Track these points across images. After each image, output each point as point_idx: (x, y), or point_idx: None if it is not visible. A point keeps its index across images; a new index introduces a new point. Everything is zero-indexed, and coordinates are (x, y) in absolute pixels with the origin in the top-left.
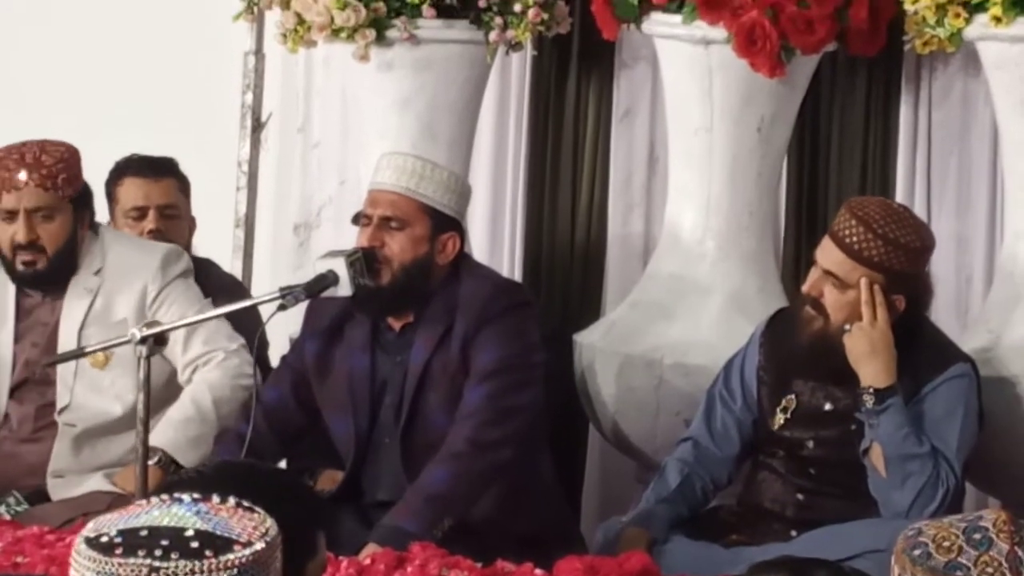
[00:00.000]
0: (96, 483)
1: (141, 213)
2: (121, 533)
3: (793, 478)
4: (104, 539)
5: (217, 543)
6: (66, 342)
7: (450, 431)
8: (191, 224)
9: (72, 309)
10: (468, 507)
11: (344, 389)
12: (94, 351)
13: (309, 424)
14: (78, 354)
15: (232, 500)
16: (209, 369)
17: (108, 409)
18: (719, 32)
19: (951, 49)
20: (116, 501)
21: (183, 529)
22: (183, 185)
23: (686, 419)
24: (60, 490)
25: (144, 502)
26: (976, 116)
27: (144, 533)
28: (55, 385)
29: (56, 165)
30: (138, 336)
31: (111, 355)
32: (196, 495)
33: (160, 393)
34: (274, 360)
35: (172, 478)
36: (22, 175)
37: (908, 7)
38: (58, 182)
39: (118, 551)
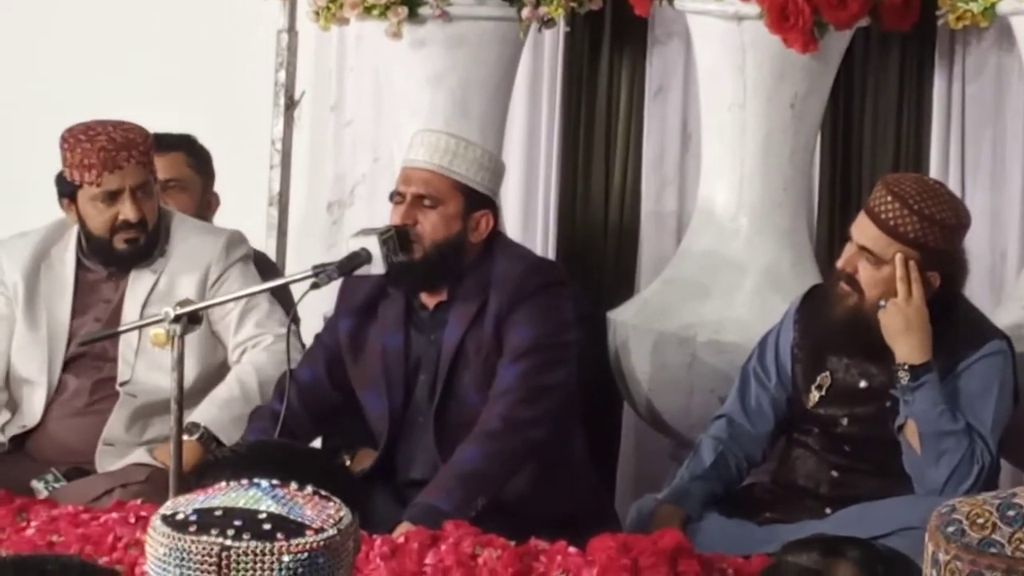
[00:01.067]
0: (137, 456)
1: None
2: (196, 512)
3: (827, 455)
4: (179, 516)
5: (290, 527)
6: (129, 319)
7: (483, 410)
8: (213, 201)
9: (136, 287)
10: (502, 486)
11: (378, 367)
12: (125, 331)
13: (343, 403)
14: (111, 334)
15: (309, 488)
16: (257, 352)
17: (168, 387)
18: (752, 8)
19: (984, 24)
20: (154, 474)
21: (257, 511)
22: (195, 160)
23: (720, 396)
24: (107, 458)
25: (223, 484)
26: (1010, 91)
27: (219, 513)
28: (115, 361)
29: (146, 142)
30: (172, 315)
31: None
32: (275, 480)
33: (215, 373)
34: (307, 338)
35: (208, 457)
36: (123, 154)
37: None
38: (150, 158)
39: (192, 528)
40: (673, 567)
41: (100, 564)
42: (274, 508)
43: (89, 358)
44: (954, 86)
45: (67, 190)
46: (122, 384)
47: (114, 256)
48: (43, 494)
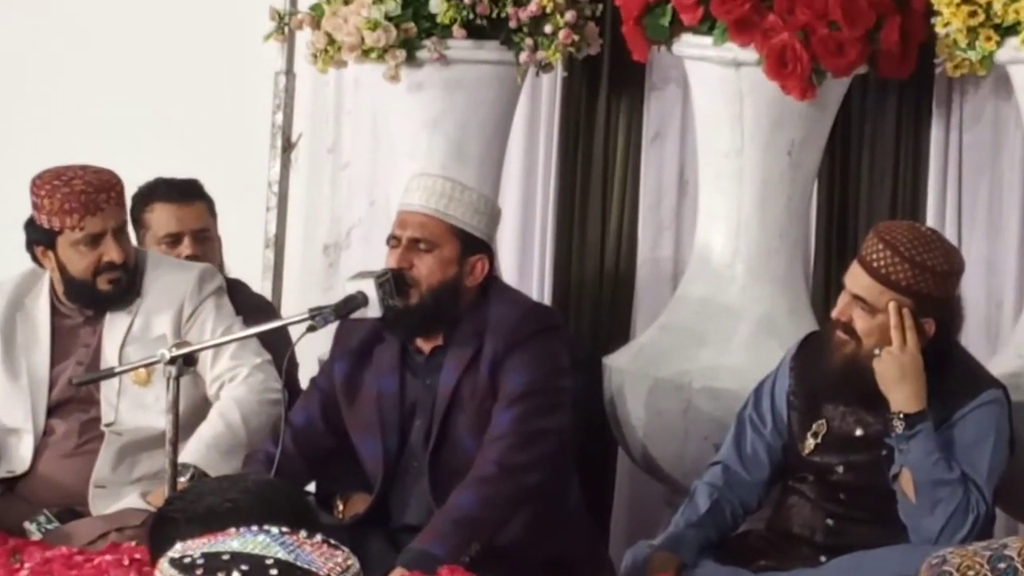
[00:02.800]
0: (131, 500)
1: (175, 239)
2: (204, 556)
3: (823, 503)
4: (187, 560)
5: (296, 574)
6: (108, 361)
7: (478, 455)
8: (219, 243)
9: (113, 328)
10: (496, 531)
11: (373, 412)
12: (122, 372)
13: (337, 446)
14: (107, 374)
15: (319, 536)
16: (235, 385)
17: (153, 424)
18: (750, 54)
19: (982, 72)
20: (150, 518)
21: (264, 557)
22: (211, 206)
23: (715, 443)
24: (100, 501)
25: (233, 529)
26: (1007, 139)
27: (226, 557)
28: (98, 403)
29: (118, 184)
30: (167, 356)
31: (152, 371)
32: (284, 528)
33: (199, 409)
34: (304, 381)
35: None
36: (101, 196)
37: (939, 30)
38: (123, 199)
39: (198, 572)
40: None
41: None
42: (282, 554)
43: (75, 402)
44: (951, 134)
45: (44, 238)
46: (107, 425)
47: (98, 298)
48: (36, 535)
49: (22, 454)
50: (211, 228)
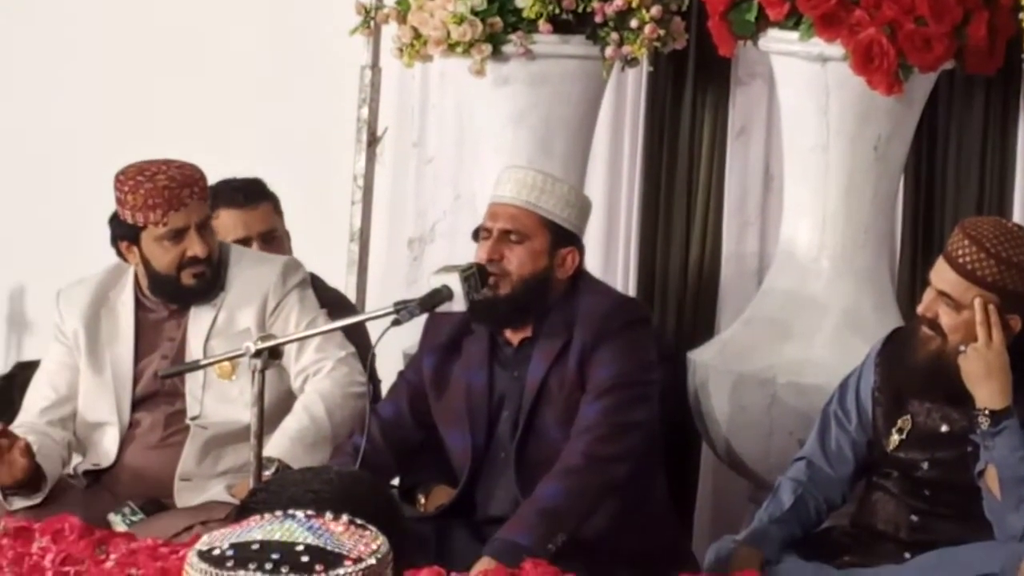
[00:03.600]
0: (216, 493)
1: (244, 244)
2: (233, 546)
3: (907, 499)
4: (216, 552)
5: (328, 558)
6: (193, 354)
7: (565, 446)
8: (288, 238)
9: (197, 322)
10: (581, 522)
11: (462, 404)
12: (207, 364)
13: (424, 439)
14: (192, 367)
15: (345, 517)
16: (320, 379)
17: (238, 418)
18: (836, 49)
19: None
20: (234, 511)
21: (294, 543)
22: (276, 205)
23: (800, 439)
24: (185, 494)
25: (258, 517)
26: None
27: (256, 547)
28: (183, 396)
29: (202, 178)
30: (252, 349)
31: (237, 365)
32: (310, 512)
33: (283, 402)
34: (384, 373)
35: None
36: (185, 191)
37: None
38: (207, 193)
39: (229, 563)
40: None
41: None
42: (311, 540)
43: (161, 395)
44: None
45: (128, 233)
46: (192, 419)
47: (182, 292)
48: (120, 527)
49: (107, 448)
50: (278, 227)
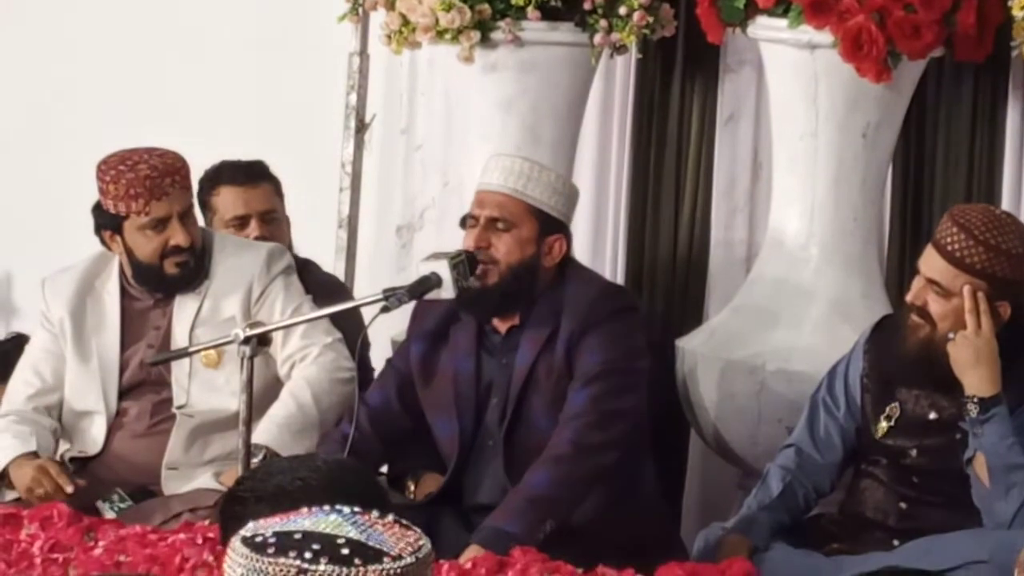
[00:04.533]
0: (205, 481)
1: (243, 222)
2: (276, 535)
3: (896, 487)
4: (259, 539)
5: (368, 553)
6: (179, 342)
7: (553, 434)
8: (287, 223)
9: (183, 310)
10: (570, 510)
11: (449, 392)
12: (196, 351)
13: (413, 427)
14: (180, 354)
15: (391, 516)
16: (306, 365)
17: (224, 406)
18: (825, 36)
19: None
20: (222, 498)
21: (336, 536)
22: (277, 187)
23: (788, 426)
24: (173, 482)
25: (306, 509)
26: None
27: (298, 536)
28: (169, 384)
29: (184, 167)
30: (241, 336)
31: (223, 353)
32: (357, 508)
33: (270, 389)
34: (375, 361)
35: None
36: (167, 181)
37: (1016, 13)
38: (189, 182)
39: (270, 550)
40: None
41: None
42: (353, 534)
43: (147, 384)
44: None
45: (111, 223)
46: (179, 407)
47: (166, 281)
48: (109, 514)
49: (94, 436)
50: (278, 209)
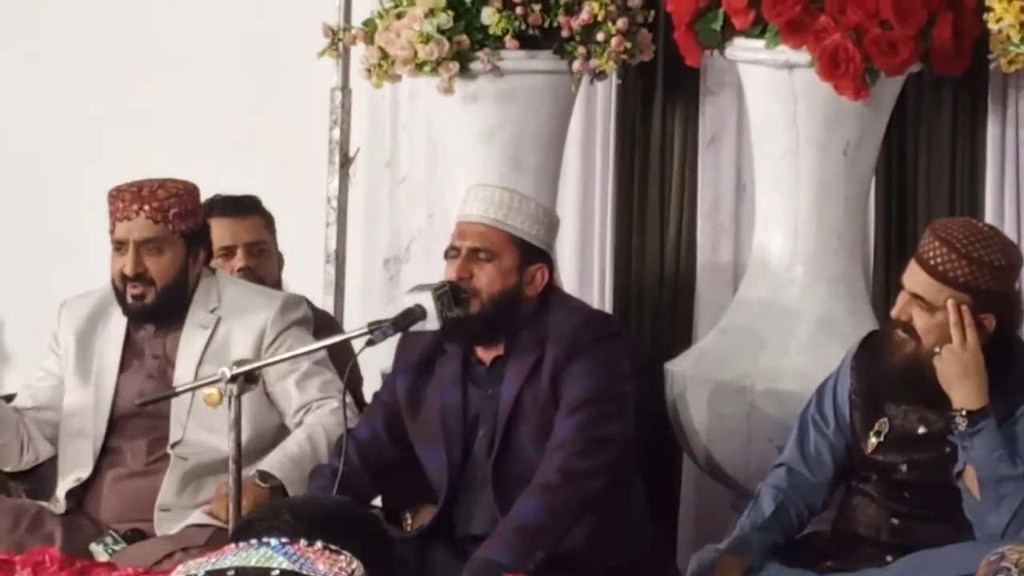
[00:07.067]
0: (195, 517)
1: (229, 252)
2: (208, 574)
3: (887, 502)
4: None
5: None
6: (183, 376)
7: (541, 463)
8: (279, 260)
9: (190, 344)
10: (560, 538)
11: (436, 424)
12: (183, 391)
13: (402, 459)
14: (168, 395)
15: (320, 543)
16: (324, 413)
17: (219, 447)
18: (802, 56)
19: None
20: (215, 535)
21: (269, 569)
22: (268, 222)
23: (779, 445)
24: (165, 524)
25: (233, 545)
26: None
27: (231, 573)
28: (167, 420)
29: (169, 199)
30: (228, 375)
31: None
32: (284, 539)
33: (274, 436)
34: (367, 395)
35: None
36: (134, 207)
37: (992, 26)
38: (169, 216)
39: None
40: None
41: None
42: (286, 565)
43: (144, 418)
44: (1007, 130)
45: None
46: (173, 445)
47: (127, 308)
48: (102, 556)
49: (86, 459)
50: (267, 242)
